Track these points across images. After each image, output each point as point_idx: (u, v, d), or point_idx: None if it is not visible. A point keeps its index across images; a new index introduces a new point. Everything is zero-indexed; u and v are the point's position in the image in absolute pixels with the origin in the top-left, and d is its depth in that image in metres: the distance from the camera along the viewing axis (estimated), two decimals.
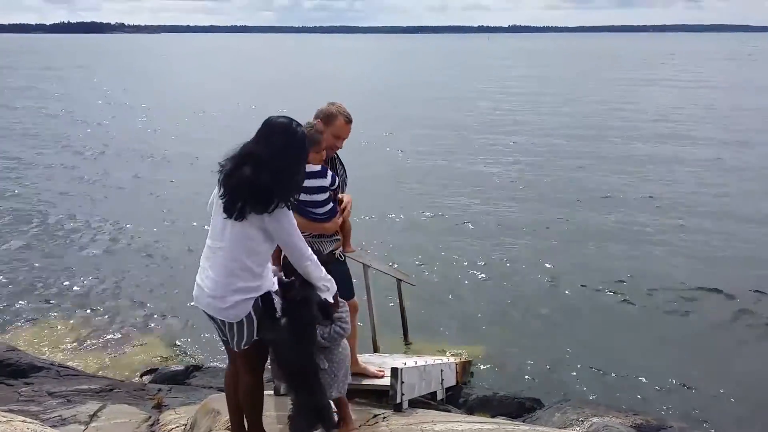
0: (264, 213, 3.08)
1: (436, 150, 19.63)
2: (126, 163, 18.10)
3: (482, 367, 7.24)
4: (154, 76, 51.83)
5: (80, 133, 23.05)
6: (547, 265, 10.19)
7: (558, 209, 13.19)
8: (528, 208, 13.37)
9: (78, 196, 14.51)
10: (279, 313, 3.31)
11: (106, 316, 8.44)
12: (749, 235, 11.44)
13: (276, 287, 3.30)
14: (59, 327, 8.06)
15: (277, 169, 3.12)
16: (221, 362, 6.97)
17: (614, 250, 10.80)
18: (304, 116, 3.83)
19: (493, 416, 5.61)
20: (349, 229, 4.39)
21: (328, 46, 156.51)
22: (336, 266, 4.11)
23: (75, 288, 9.33)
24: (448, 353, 7.19)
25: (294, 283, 3.38)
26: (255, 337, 3.25)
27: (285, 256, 3.43)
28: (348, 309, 3.74)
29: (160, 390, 5.87)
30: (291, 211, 3.19)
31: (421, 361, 5.38)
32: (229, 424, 3.64)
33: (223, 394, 3.69)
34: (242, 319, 3.18)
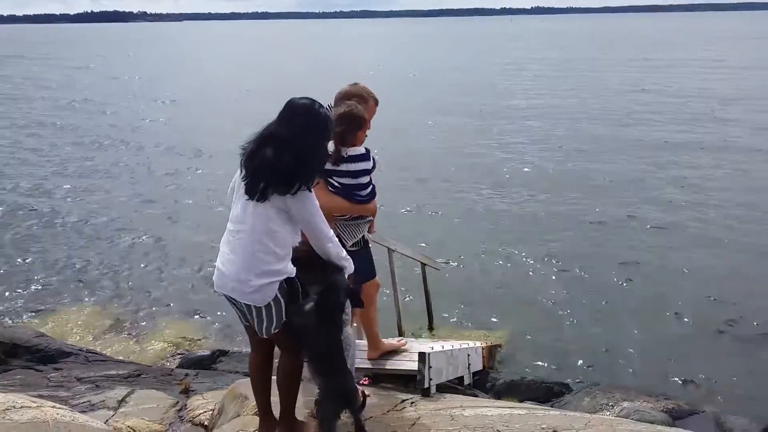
0: (287, 194, 3.03)
1: (462, 135, 19.37)
2: (154, 153, 18.24)
3: (509, 351, 7.15)
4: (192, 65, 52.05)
5: (111, 127, 23.25)
6: (575, 250, 10.03)
7: (585, 194, 12.95)
8: (554, 193, 13.13)
9: (105, 184, 14.65)
10: (305, 298, 3.27)
11: (133, 302, 8.52)
12: None
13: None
14: (87, 312, 8.15)
15: (300, 149, 3.07)
16: (247, 347, 6.89)
17: (647, 237, 10.52)
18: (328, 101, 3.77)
19: (521, 401, 5.54)
20: (375, 209, 4.37)
21: (348, 31, 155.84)
22: (363, 249, 4.16)
23: (102, 274, 9.43)
24: (474, 337, 7.12)
25: (319, 268, 3.33)
26: (284, 320, 3.20)
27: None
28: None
29: (187, 375, 5.89)
30: (313, 193, 3.13)
31: (447, 345, 5.32)
32: (257, 409, 3.62)
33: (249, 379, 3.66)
34: (269, 303, 3.13)
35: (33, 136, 20.95)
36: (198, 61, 55.54)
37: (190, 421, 4.41)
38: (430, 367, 4.41)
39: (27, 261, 9.92)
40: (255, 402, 3.61)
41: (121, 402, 4.74)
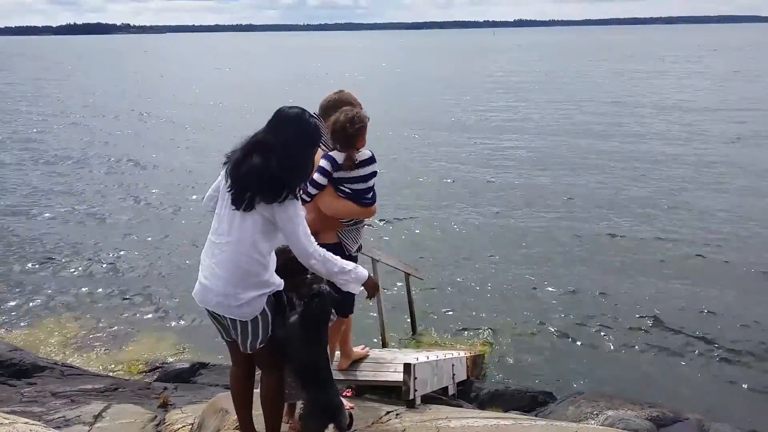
0: (274, 203, 2.96)
1: (441, 148, 19.34)
2: (129, 162, 18.05)
3: (492, 360, 7.11)
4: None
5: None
6: (559, 259, 10.04)
7: (567, 207, 13.00)
8: (536, 205, 13.14)
9: (81, 195, 14.45)
10: (289, 309, 3.20)
11: (110, 314, 8.34)
12: None
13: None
14: (63, 325, 7.96)
15: (288, 157, 3.00)
16: (228, 359, 6.82)
17: (629, 248, 10.51)
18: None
19: (505, 411, 5.50)
20: (375, 211, 4.41)
21: (332, 44, 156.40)
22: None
23: (79, 286, 9.24)
24: (458, 347, 7.08)
25: (305, 278, 3.27)
26: (269, 334, 3.12)
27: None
28: None
29: (165, 388, 5.77)
30: (299, 202, 3.07)
31: (432, 355, 5.28)
32: (237, 423, 3.53)
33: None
34: (256, 317, 3.06)
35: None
36: (172, 74, 55.26)
37: None
38: (415, 378, 4.36)
39: (0, 273, 9.70)
40: (236, 416, 3.53)
41: (97, 417, 4.62)
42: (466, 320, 8.09)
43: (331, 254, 3.15)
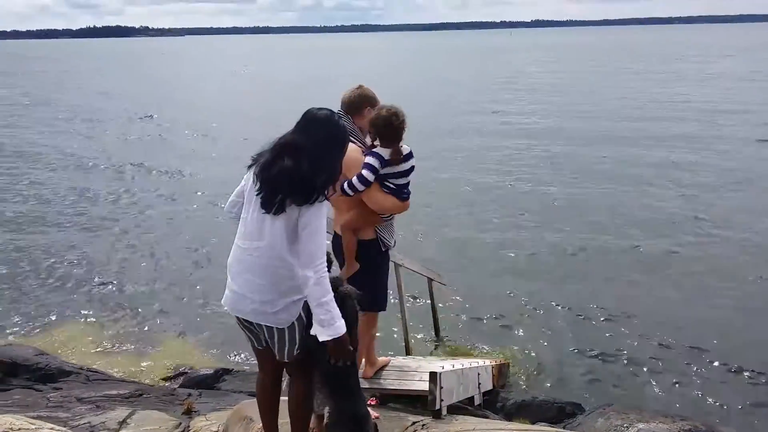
0: (304, 205, 2.89)
1: (464, 154, 19.09)
2: (165, 164, 18.17)
3: (518, 369, 6.98)
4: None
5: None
6: (586, 269, 9.86)
7: (591, 217, 12.75)
8: (560, 215, 12.91)
9: (105, 199, 14.57)
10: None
11: (136, 320, 8.37)
12: None
13: None
14: (89, 330, 8.01)
15: (320, 159, 2.95)
16: (251, 366, 6.85)
17: (657, 259, 10.25)
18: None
19: (533, 422, 5.41)
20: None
21: (349, 45, 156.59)
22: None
23: (105, 291, 9.29)
24: (482, 355, 6.99)
25: (335, 279, 3.19)
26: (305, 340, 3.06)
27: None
28: None
29: (189, 395, 5.76)
30: (327, 204, 3.00)
31: (457, 364, 5.18)
32: (263, 431, 3.49)
33: (255, 399, 3.52)
34: (293, 323, 3.00)
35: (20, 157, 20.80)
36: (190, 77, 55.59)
37: None
38: (441, 387, 4.28)
39: (27, 277, 9.77)
40: (261, 424, 3.48)
41: (122, 423, 4.61)
42: (490, 328, 7.99)
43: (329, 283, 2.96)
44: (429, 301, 7.56)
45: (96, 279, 9.71)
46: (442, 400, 4.31)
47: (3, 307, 8.69)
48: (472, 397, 5.22)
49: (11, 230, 12.17)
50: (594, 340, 7.58)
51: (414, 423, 4.11)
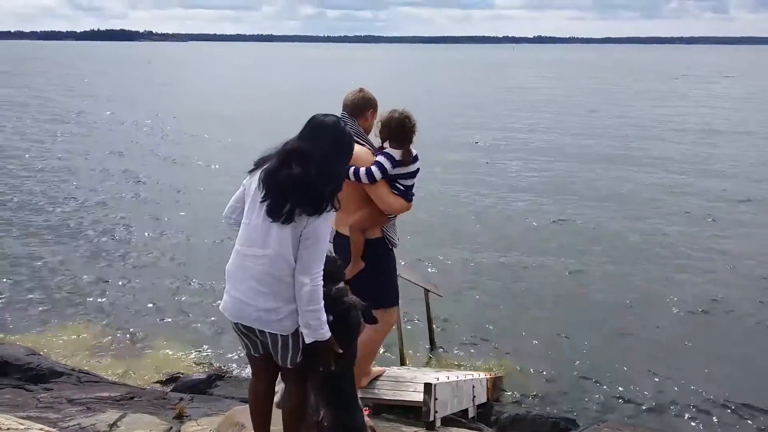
0: (314, 214, 2.87)
1: (463, 168, 19.13)
2: (153, 170, 18.15)
3: (513, 383, 6.94)
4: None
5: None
6: (583, 280, 9.86)
7: (594, 223, 12.90)
8: (563, 222, 13.02)
9: (101, 202, 14.52)
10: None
11: (128, 322, 8.31)
12: None
13: None
14: (81, 331, 7.94)
15: (327, 166, 2.93)
16: (244, 371, 6.81)
17: (655, 270, 10.31)
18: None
19: None
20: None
21: (352, 55, 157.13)
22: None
23: (98, 292, 9.23)
24: (478, 368, 6.95)
25: (330, 289, 3.18)
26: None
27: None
28: None
29: (181, 399, 5.71)
30: (334, 214, 3.00)
31: (452, 376, 5.17)
32: None
33: (248, 405, 3.49)
34: (297, 330, 2.97)
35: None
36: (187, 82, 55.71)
37: None
38: (435, 398, 4.27)
39: (21, 277, 9.71)
40: (253, 431, 3.45)
41: (113, 426, 4.56)
42: (486, 340, 7.94)
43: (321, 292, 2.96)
44: (425, 312, 7.51)
45: (89, 280, 9.66)
46: (436, 412, 4.30)
47: None
48: (467, 409, 5.20)
49: (4, 233, 12.09)
50: (590, 357, 7.54)
51: None
